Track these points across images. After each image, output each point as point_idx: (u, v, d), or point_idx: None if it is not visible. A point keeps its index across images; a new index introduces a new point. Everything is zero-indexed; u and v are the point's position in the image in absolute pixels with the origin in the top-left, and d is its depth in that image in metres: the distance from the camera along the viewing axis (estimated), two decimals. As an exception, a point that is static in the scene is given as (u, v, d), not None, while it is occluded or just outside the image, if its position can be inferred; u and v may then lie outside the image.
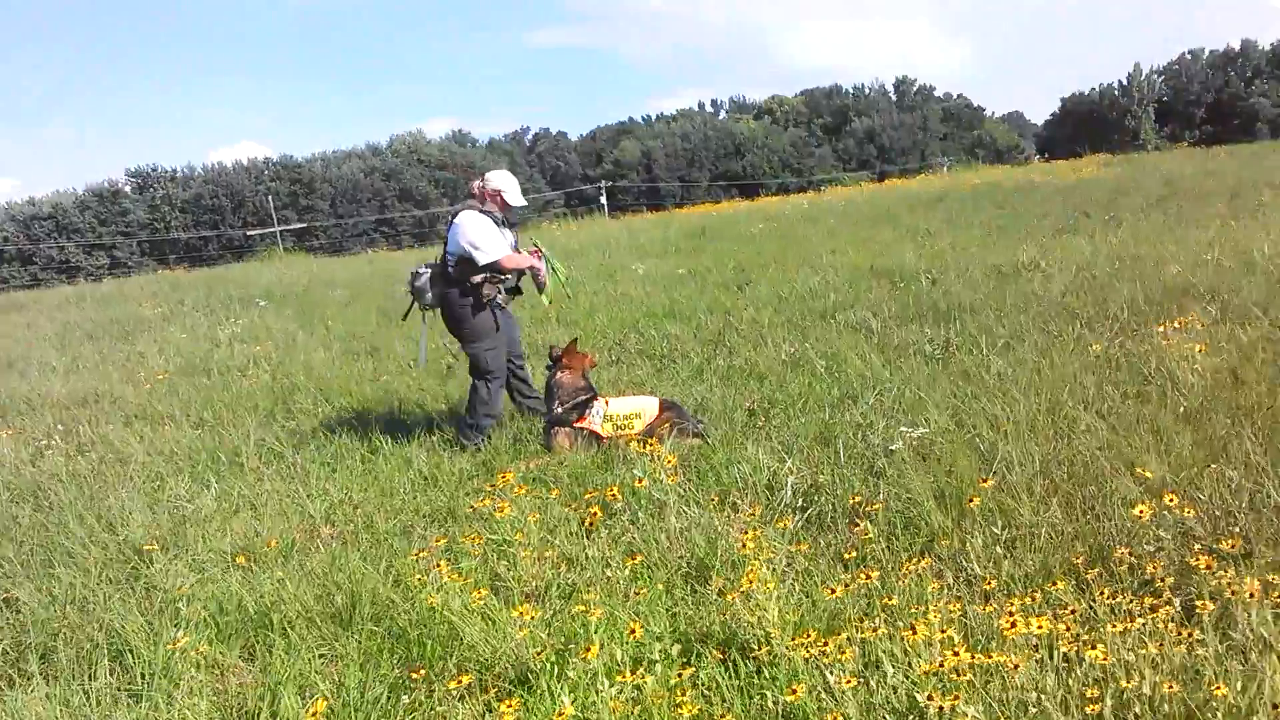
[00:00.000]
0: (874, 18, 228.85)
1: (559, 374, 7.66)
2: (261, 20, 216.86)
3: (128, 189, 71.07)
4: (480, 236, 7.62)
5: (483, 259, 7.63)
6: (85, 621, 5.11)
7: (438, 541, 5.51)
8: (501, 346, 7.95)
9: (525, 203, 8.03)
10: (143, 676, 4.51)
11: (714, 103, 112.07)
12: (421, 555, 5.24)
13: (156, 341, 15.73)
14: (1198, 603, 3.51)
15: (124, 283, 31.38)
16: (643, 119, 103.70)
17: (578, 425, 7.47)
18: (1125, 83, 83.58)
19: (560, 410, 7.53)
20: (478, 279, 7.72)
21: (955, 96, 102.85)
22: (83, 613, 5.26)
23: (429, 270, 7.95)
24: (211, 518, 6.69)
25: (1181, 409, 6.20)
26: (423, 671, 4.18)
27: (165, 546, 6.14)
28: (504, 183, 7.88)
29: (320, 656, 4.61)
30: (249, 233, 64.89)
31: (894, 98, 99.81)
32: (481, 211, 7.72)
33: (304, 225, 68.05)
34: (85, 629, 5.02)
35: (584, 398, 7.55)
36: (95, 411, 10.73)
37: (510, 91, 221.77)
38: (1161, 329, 7.71)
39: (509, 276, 7.88)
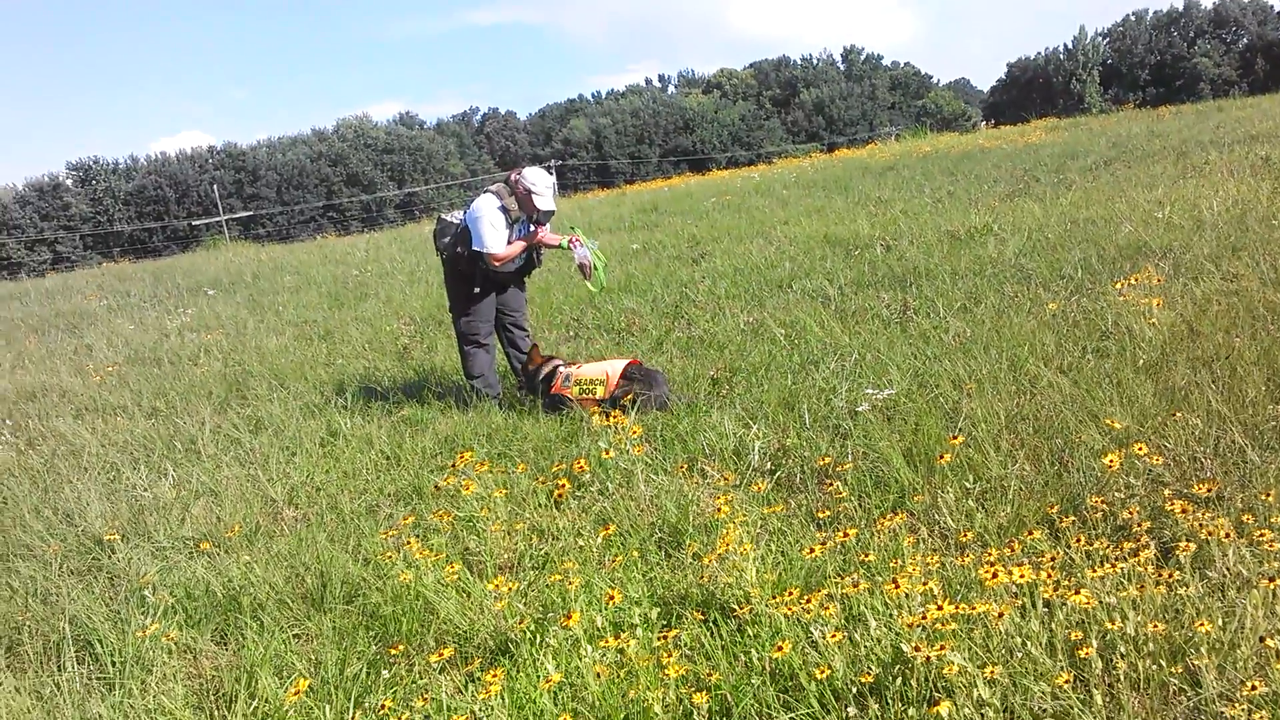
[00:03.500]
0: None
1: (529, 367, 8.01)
2: (201, 8, 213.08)
3: (69, 182, 69.87)
4: (482, 225, 7.77)
5: (476, 244, 7.80)
6: (50, 613, 5.02)
7: (405, 520, 5.45)
8: (478, 318, 8.13)
9: (555, 208, 8.06)
10: (113, 665, 4.43)
11: (662, 78, 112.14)
12: (390, 534, 5.21)
13: (104, 334, 15.43)
14: (1176, 545, 3.55)
15: (68, 277, 30.71)
16: (592, 96, 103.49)
17: (554, 392, 7.64)
18: (1070, 46, 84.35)
19: (540, 381, 7.83)
20: (461, 250, 7.92)
21: (902, 65, 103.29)
22: (46, 605, 5.16)
23: (451, 223, 8.16)
24: (171, 505, 6.58)
25: (1141, 361, 6.27)
26: (401, 647, 4.14)
27: (125, 536, 6.04)
28: (537, 183, 7.87)
29: (295, 637, 4.56)
30: (194, 223, 63.96)
31: (842, 68, 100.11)
32: (500, 206, 7.81)
33: (250, 213, 67.24)
34: (50, 620, 4.93)
35: (551, 367, 7.79)
36: (44, 405, 10.52)
37: (456, 72, 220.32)
38: (1118, 286, 7.78)
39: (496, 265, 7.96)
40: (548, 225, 8.20)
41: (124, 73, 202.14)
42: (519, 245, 7.95)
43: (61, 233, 65.65)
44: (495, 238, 7.78)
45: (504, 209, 7.81)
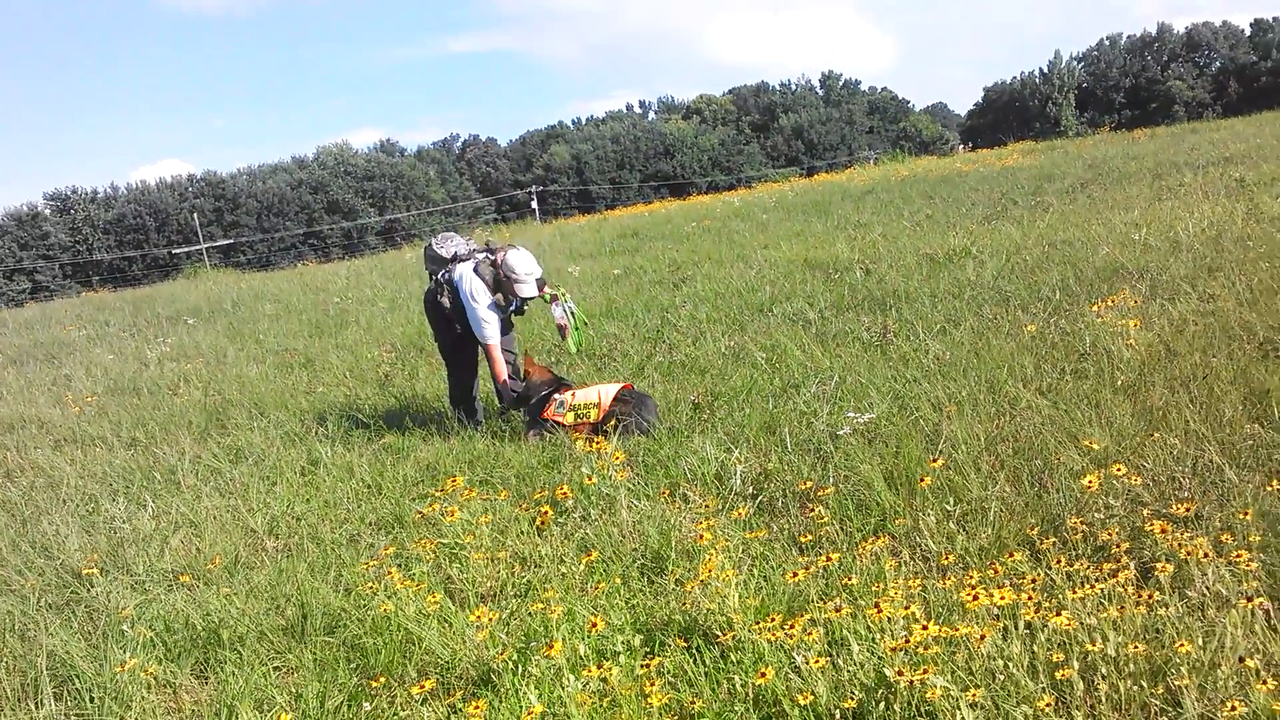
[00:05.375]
0: (798, 7, 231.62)
1: (530, 375, 7.97)
2: (179, 35, 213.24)
3: (47, 211, 69.63)
4: (479, 314, 7.85)
5: (476, 333, 7.93)
6: (27, 649, 4.96)
7: (387, 550, 5.42)
8: (463, 346, 8.20)
9: (536, 294, 8.02)
10: (91, 701, 4.38)
11: (643, 104, 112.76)
12: (371, 564, 5.18)
13: (83, 364, 15.31)
14: (1155, 565, 3.57)
15: (46, 306, 30.53)
16: (572, 122, 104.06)
17: (543, 418, 7.61)
18: (1046, 70, 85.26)
19: (532, 404, 7.81)
20: (444, 301, 8.02)
21: (880, 89, 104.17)
22: (23, 640, 5.10)
23: (441, 257, 8.17)
24: (150, 538, 6.52)
25: (1119, 382, 6.31)
26: (382, 679, 4.11)
27: (104, 569, 5.98)
28: (517, 270, 7.86)
29: (275, 670, 4.52)
30: (174, 251, 63.82)
31: (820, 93, 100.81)
32: (491, 305, 7.88)
33: (230, 241, 67.12)
34: (28, 656, 4.87)
35: (546, 391, 7.76)
36: (22, 437, 10.43)
37: (437, 100, 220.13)
38: (1095, 308, 7.84)
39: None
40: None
41: (102, 102, 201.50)
42: (500, 365, 7.96)
43: (40, 262, 65.36)
44: (492, 332, 7.88)
45: (494, 306, 7.90)
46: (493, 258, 7.96)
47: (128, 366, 14.50)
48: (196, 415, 10.28)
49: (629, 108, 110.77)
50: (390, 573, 4.74)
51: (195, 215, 68.16)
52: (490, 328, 7.87)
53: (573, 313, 8.22)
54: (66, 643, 4.90)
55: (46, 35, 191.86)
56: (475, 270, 7.93)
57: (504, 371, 7.95)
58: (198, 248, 62.15)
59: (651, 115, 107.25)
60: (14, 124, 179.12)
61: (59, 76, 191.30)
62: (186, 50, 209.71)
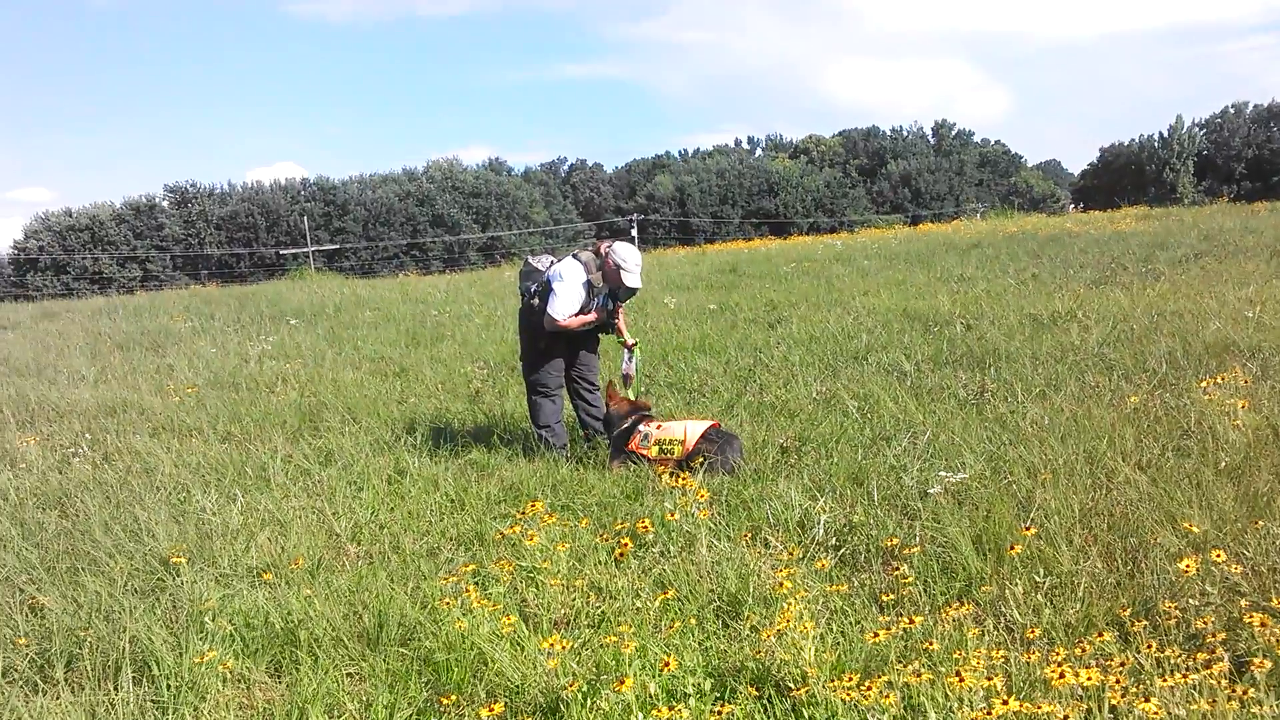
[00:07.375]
0: (913, 56, 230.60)
1: (610, 407, 8.04)
2: (304, 44, 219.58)
3: (165, 204, 72.01)
4: (559, 290, 7.87)
5: (549, 305, 7.87)
6: (111, 631, 5.07)
7: (466, 567, 5.45)
8: (548, 369, 8.21)
9: (641, 285, 8.09)
10: (168, 688, 4.47)
11: (750, 140, 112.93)
12: (450, 579, 5.21)
13: (186, 355, 15.76)
14: (1251, 660, 3.43)
15: (156, 296, 31.46)
16: (678, 154, 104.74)
17: (629, 449, 7.63)
18: (1166, 135, 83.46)
19: (616, 434, 7.82)
20: (537, 303, 8.04)
21: (993, 142, 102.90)
22: (108, 622, 5.22)
23: (537, 270, 8.23)
24: (237, 532, 6.64)
25: (1223, 464, 6.10)
26: (453, 697, 4.12)
27: (191, 559, 6.10)
28: (627, 260, 7.93)
29: (348, 676, 4.57)
30: (281, 251, 65.51)
31: (932, 141, 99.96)
32: (585, 282, 7.93)
33: (336, 246, 68.62)
34: (111, 639, 4.98)
35: (630, 423, 7.78)
36: (123, 421, 10.74)
37: (547, 122, 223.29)
38: (1202, 385, 7.61)
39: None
40: (625, 307, 8.36)
41: (226, 101, 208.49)
42: (587, 318, 8.01)
43: (153, 252, 67.52)
44: (561, 308, 7.86)
45: (589, 284, 7.91)
46: (599, 248, 8.05)
47: (229, 361, 14.88)
48: (291, 415, 10.49)
49: (736, 143, 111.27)
50: (468, 590, 4.77)
51: (305, 218, 69.91)
52: (560, 303, 7.82)
53: (638, 364, 8.33)
54: (149, 629, 5.00)
55: (177, 33, 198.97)
56: (575, 256, 8.03)
57: (573, 323, 7.96)
58: (305, 250, 63.75)
59: (759, 152, 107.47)
60: (142, 116, 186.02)
61: (188, 73, 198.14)
62: (308, 56, 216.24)
